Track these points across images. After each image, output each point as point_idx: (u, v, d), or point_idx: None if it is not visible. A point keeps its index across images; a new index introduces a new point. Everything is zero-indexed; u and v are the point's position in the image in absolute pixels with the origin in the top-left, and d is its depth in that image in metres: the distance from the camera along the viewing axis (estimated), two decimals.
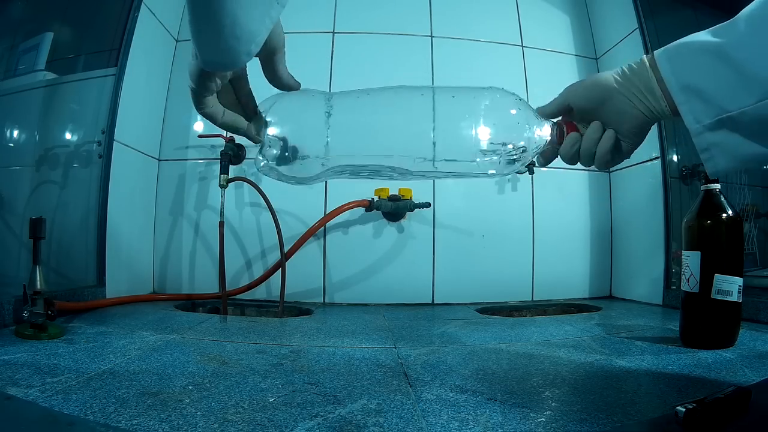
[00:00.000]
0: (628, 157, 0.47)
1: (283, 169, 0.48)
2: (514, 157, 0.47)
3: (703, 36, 0.41)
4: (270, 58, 0.45)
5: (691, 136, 0.41)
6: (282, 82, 0.47)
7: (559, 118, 0.49)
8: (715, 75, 0.39)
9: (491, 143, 0.47)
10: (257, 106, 0.48)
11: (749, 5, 0.39)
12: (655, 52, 0.43)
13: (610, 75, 0.44)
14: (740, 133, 0.39)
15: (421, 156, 0.47)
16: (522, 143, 0.47)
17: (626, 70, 0.44)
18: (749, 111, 0.38)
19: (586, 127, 0.46)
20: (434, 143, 0.47)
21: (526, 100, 0.50)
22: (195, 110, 0.45)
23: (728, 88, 0.38)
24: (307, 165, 0.47)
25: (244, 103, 0.47)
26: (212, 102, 0.44)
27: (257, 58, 0.43)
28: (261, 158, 0.48)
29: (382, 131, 0.49)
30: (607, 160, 0.46)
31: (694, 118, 0.41)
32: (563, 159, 0.49)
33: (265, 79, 0.47)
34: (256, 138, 0.48)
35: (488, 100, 0.48)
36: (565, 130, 0.47)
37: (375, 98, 0.50)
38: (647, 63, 0.43)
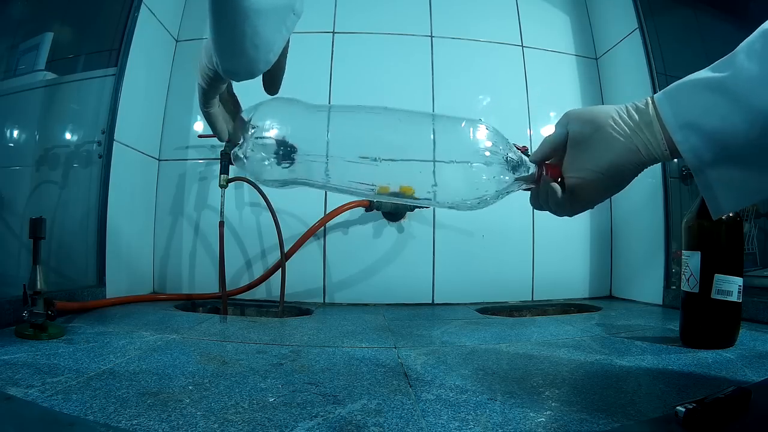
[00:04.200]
0: (581, 211, 0.46)
1: (269, 166, 0.47)
2: (503, 185, 0.47)
3: (702, 74, 0.40)
4: (275, 74, 0.47)
5: (693, 175, 0.40)
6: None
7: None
8: (715, 110, 0.38)
9: (479, 175, 0.46)
10: (241, 109, 0.49)
11: (747, 38, 0.38)
12: (655, 95, 0.42)
13: (612, 107, 0.44)
14: (742, 167, 0.39)
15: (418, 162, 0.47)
16: (507, 178, 0.46)
17: (630, 107, 0.43)
18: (751, 144, 0.37)
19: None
20: (432, 177, 0.46)
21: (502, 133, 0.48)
22: (196, 109, 0.46)
23: (729, 123, 0.38)
24: (297, 164, 0.47)
25: (229, 102, 0.49)
26: (216, 102, 0.47)
27: None
28: (242, 156, 0.46)
29: (375, 139, 0.48)
30: (552, 210, 0.47)
31: (694, 156, 0.40)
32: (531, 203, 0.49)
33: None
34: (237, 137, 0.48)
35: (474, 136, 0.47)
36: (544, 171, 0.46)
37: (369, 114, 0.49)
38: (651, 103, 0.42)
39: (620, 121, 0.42)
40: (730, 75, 0.38)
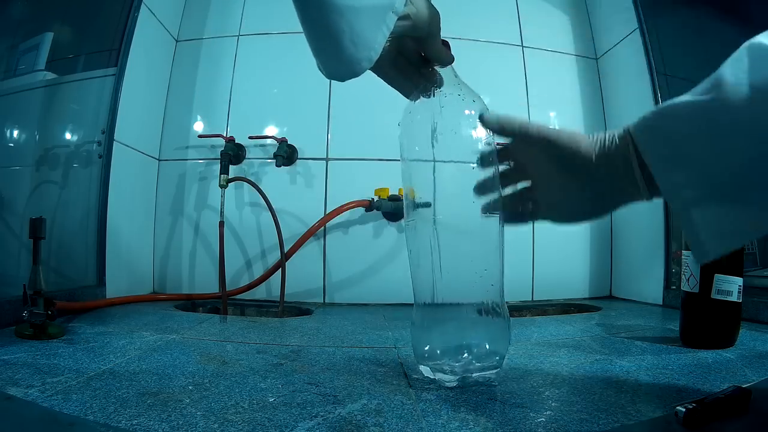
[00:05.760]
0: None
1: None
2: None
3: (683, 99, 0.36)
4: (424, 40, 0.48)
5: (674, 213, 0.39)
6: (438, 59, 0.52)
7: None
8: (697, 139, 0.35)
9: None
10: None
11: (732, 55, 0.34)
12: (632, 128, 0.39)
13: (590, 145, 0.40)
14: (731, 203, 0.35)
15: None
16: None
17: (606, 148, 0.40)
18: (740, 174, 0.34)
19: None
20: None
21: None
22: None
23: (713, 152, 0.34)
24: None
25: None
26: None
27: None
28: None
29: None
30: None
31: (676, 195, 0.36)
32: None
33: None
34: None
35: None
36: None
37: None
38: (631, 138, 0.39)
39: (597, 173, 0.40)
40: (713, 98, 0.33)
